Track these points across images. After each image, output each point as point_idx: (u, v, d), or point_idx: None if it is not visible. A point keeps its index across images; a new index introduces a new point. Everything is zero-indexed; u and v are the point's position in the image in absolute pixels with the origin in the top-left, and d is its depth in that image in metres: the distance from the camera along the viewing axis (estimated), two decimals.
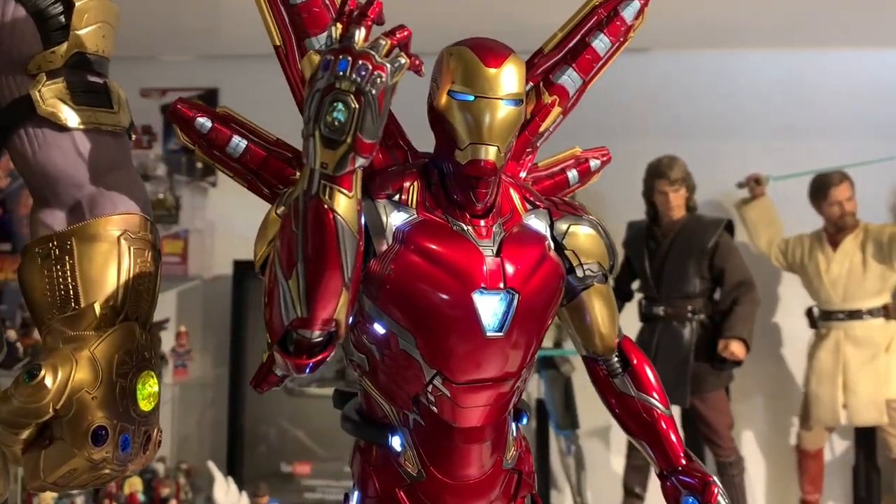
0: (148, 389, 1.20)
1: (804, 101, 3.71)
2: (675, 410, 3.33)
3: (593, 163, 1.53)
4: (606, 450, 3.80)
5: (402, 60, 0.92)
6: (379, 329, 1.18)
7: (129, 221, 1.26)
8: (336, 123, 0.90)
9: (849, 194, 3.26)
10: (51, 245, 1.22)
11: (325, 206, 0.93)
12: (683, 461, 1.38)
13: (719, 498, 1.33)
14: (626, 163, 3.42)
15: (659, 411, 1.40)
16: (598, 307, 1.35)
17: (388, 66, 0.90)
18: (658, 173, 3.18)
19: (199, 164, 4.14)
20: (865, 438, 3.40)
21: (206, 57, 4.23)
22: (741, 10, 3.24)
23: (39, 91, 1.22)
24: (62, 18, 1.24)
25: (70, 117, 1.24)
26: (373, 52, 0.90)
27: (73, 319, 1.18)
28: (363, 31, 0.91)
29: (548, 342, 3.58)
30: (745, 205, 3.48)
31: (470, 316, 1.15)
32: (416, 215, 1.18)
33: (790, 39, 3.56)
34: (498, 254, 1.19)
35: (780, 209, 3.45)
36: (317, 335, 0.98)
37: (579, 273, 1.31)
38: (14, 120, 1.24)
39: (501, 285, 1.17)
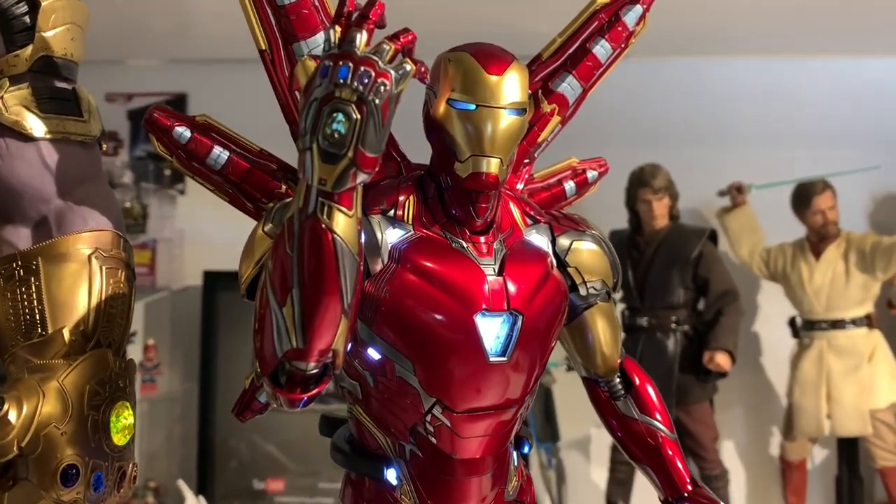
0: (123, 422, 1.10)
1: (785, 110, 3.69)
2: None
3: (590, 174, 1.47)
4: (587, 462, 3.75)
5: (408, 67, 0.84)
6: (374, 354, 1.10)
7: (101, 239, 1.17)
8: (336, 136, 0.82)
9: (831, 203, 3.25)
10: (14, 265, 1.13)
11: (324, 227, 0.85)
12: (690, 487, 1.32)
13: None
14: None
15: (664, 435, 1.34)
16: (600, 326, 1.29)
17: (393, 73, 0.83)
18: (641, 182, 3.13)
19: (168, 172, 4.01)
20: (848, 448, 3.38)
21: (174, 61, 4.11)
22: (720, 17, 3.21)
23: (2, 98, 1.13)
24: (27, 19, 1.15)
25: (36, 126, 1.14)
26: (376, 58, 0.82)
27: (39, 347, 1.09)
28: (364, 34, 0.83)
29: None
30: (727, 214, 3.46)
31: (472, 340, 1.08)
32: (412, 232, 1.11)
33: (770, 47, 3.55)
34: (500, 272, 1.12)
35: (761, 218, 3.42)
36: (312, 367, 0.90)
37: (582, 291, 1.24)
38: None
39: (505, 306, 1.10)
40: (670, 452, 1.33)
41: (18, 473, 1.03)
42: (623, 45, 1.34)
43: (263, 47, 1.15)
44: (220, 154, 1.16)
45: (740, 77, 3.72)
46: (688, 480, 1.32)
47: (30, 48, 1.15)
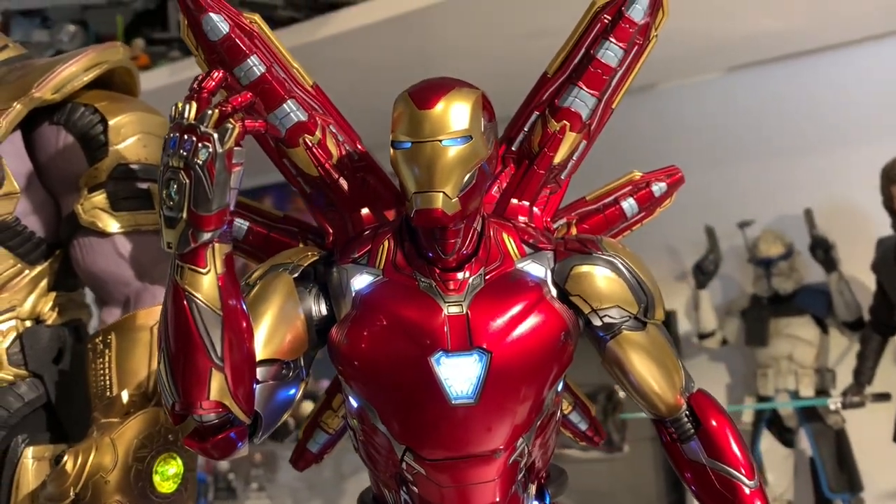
0: (169, 471, 1.25)
1: None
2: None
3: (656, 187, 1.32)
4: None
5: (229, 126, 0.89)
6: (353, 402, 1.12)
7: None
8: (171, 202, 0.89)
9: None
10: (97, 340, 1.36)
11: (179, 287, 0.91)
12: None
13: None
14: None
15: (740, 483, 1.13)
16: (636, 360, 1.14)
17: (215, 135, 0.88)
18: (892, 177, 2.59)
19: None
20: None
21: None
22: None
23: (82, 204, 1.38)
24: (102, 137, 1.40)
25: (110, 224, 1.38)
26: (197, 124, 0.88)
27: (106, 408, 1.30)
28: (194, 105, 0.90)
29: (809, 391, 3.07)
30: None
31: (430, 383, 1.04)
32: (381, 277, 1.11)
33: None
34: (468, 309, 1.07)
35: None
36: (209, 418, 0.96)
37: (595, 321, 1.12)
38: (68, 233, 1.41)
39: (468, 344, 1.05)
40: (746, 502, 1.12)
41: None
42: (639, 41, 1.21)
43: None
44: (240, 226, 1.28)
45: None
46: None
47: (106, 160, 1.40)
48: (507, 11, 2.17)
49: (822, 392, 3.03)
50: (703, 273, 2.96)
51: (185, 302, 0.91)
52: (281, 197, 3.66)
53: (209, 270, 0.92)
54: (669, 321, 3.05)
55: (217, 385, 0.93)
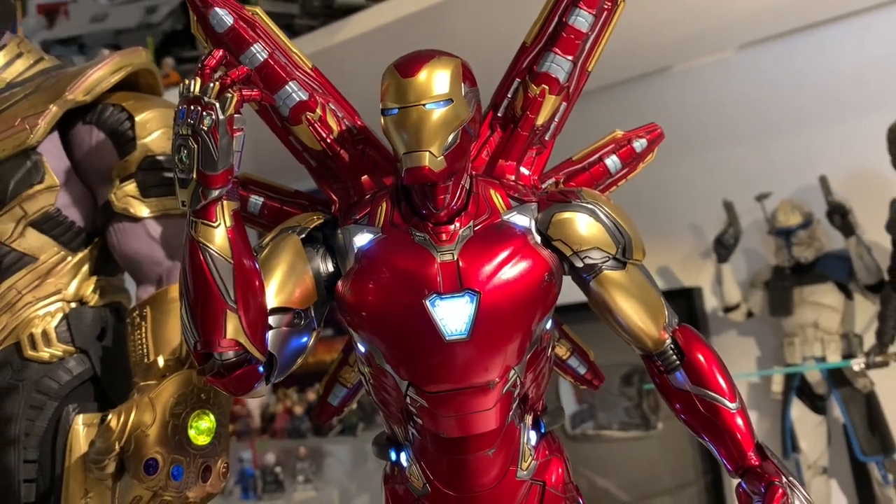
0: (203, 426, 1.38)
1: None
2: None
3: (637, 143, 1.41)
4: None
5: (228, 95, 1.01)
6: (361, 348, 1.23)
7: None
8: (182, 165, 1.02)
9: None
10: (134, 314, 1.50)
11: (193, 239, 1.04)
12: (755, 461, 1.17)
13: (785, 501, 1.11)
14: None
15: (722, 406, 1.22)
16: (619, 298, 1.24)
17: (217, 104, 1.00)
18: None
19: None
20: None
21: None
22: None
23: (115, 193, 1.52)
24: (130, 133, 1.54)
25: (141, 209, 1.52)
26: (201, 95, 1.01)
27: (145, 372, 1.43)
28: (198, 80, 1.03)
29: (836, 356, 3.09)
30: None
31: (426, 324, 1.14)
32: (380, 234, 1.22)
33: None
34: (458, 256, 1.17)
35: None
36: (229, 356, 1.07)
37: (577, 263, 1.22)
38: (104, 220, 1.55)
39: (459, 287, 1.15)
40: (729, 423, 1.20)
41: (126, 467, 1.36)
42: (607, 6, 1.30)
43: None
44: (255, 201, 1.40)
45: None
46: (750, 454, 1.18)
47: (135, 153, 1.54)
48: (519, 4, 2.26)
49: (849, 357, 3.05)
50: (723, 247, 3.00)
51: (199, 252, 1.04)
52: None
53: (219, 224, 1.04)
54: (694, 297, 3.08)
55: (232, 325, 1.05)
